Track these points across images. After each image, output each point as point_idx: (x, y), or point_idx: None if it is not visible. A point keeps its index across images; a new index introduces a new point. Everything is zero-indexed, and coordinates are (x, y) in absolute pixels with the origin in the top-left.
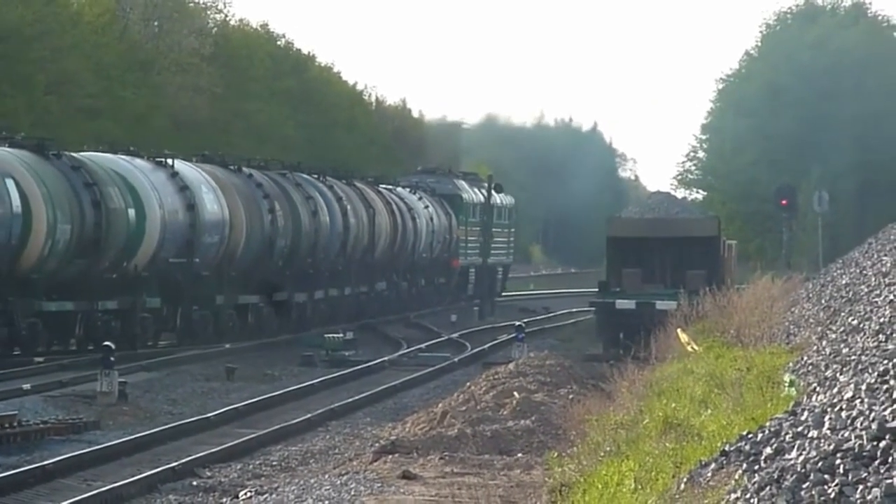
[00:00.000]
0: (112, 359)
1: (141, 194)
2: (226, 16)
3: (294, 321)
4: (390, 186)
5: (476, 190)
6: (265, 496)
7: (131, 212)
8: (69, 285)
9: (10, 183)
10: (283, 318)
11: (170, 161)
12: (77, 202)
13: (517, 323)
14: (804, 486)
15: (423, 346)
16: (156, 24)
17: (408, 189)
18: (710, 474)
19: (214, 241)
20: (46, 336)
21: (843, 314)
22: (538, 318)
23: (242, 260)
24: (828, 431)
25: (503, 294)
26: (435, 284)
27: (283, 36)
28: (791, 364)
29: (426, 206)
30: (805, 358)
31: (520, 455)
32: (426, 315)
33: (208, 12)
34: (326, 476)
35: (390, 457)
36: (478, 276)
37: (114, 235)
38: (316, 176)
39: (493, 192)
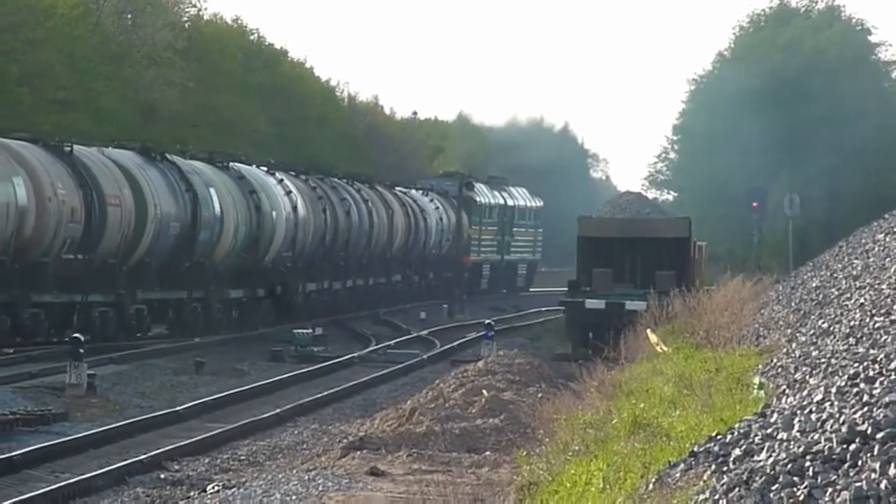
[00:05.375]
0: (81, 351)
1: (272, 199)
2: (199, 10)
3: (330, 307)
4: (405, 189)
5: (497, 192)
6: (233, 490)
7: (274, 214)
8: (236, 276)
9: (212, 191)
10: (324, 303)
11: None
12: (247, 206)
13: (486, 321)
14: (773, 487)
15: (392, 342)
16: (129, 17)
17: (421, 192)
18: (678, 475)
19: (301, 236)
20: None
21: (813, 317)
22: (508, 316)
23: (307, 252)
24: (797, 434)
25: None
26: (443, 278)
27: (256, 31)
28: (760, 366)
29: (436, 208)
30: (775, 360)
31: (488, 453)
32: (397, 312)
33: (181, 6)
34: (294, 471)
35: (358, 453)
36: (492, 271)
37: (266, 234)
38: (346, 180)
39: (464, 189)
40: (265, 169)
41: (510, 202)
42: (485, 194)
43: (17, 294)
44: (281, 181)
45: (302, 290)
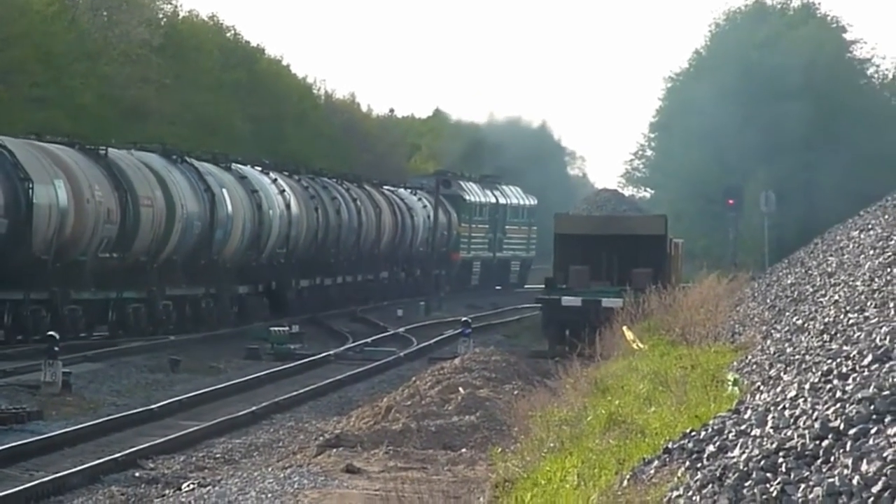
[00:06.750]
0: (56, 349)
1: (269, 198)
2: (175, 7)
3: (322, 302)
4: (393, 188)
5: (488, 191)
6: (208, 488)
7: (271, 212)
8: (241, 273)
9: (224, 192)
10: (316, 299)
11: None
12: (250, 206)
13: (463, 318)
14: (746, 484)
15: (369, 340)
16: (104, 13)
17: (409, 190)
18: (652, 471)
19: (295, 234)
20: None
21: (787, 314)
22: (485, 313)
23: (301, 249)
24: (771, 430)
25: (525, 286)
26: (430, 275)
27: (233, 28)
28: (735, 363)
29: (424, 206)
30: (749, 357)
31: (464, 450)
32: (374, 309)
33: (157, 3)
34: (270, 469)
35: (334, 451)
36: (483, 268)
37: (265, 232)
38: (335, 179)
39: (445, 187)
40: (259, 169)
41: (502, 200)
42: (475, 193)
43: (58, 291)
44: (275, 180)
45: (295, 285)
